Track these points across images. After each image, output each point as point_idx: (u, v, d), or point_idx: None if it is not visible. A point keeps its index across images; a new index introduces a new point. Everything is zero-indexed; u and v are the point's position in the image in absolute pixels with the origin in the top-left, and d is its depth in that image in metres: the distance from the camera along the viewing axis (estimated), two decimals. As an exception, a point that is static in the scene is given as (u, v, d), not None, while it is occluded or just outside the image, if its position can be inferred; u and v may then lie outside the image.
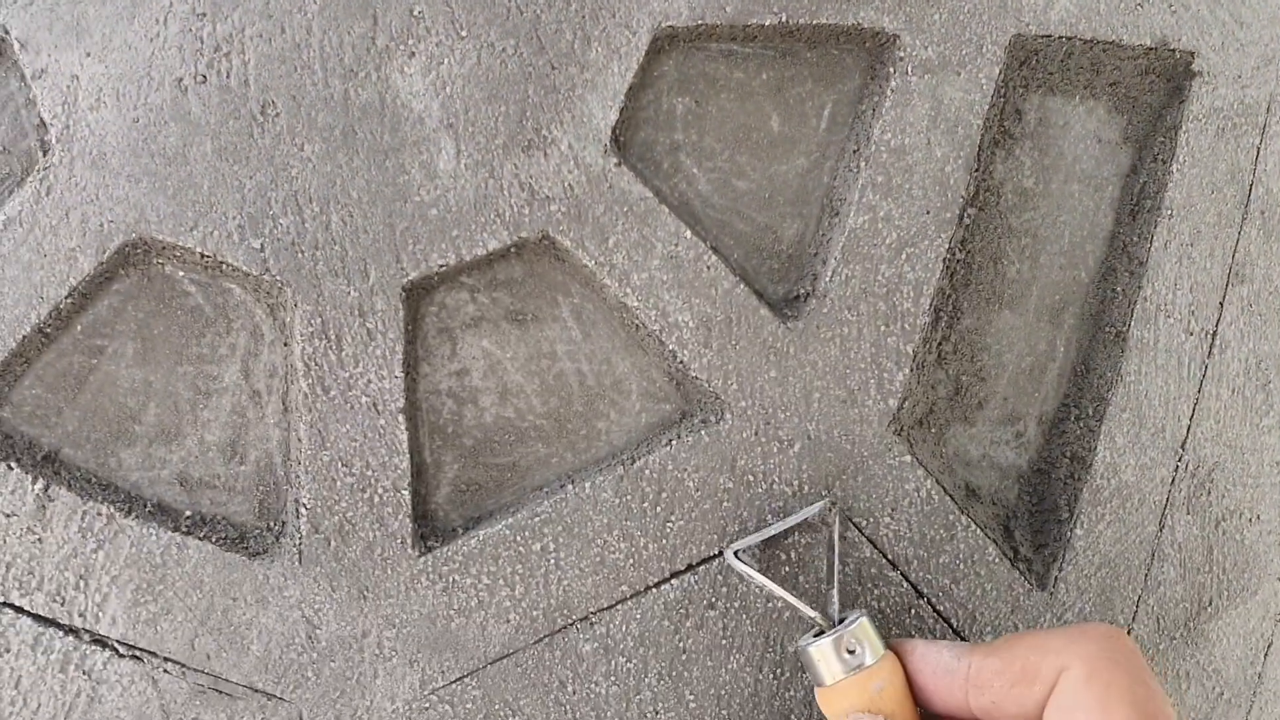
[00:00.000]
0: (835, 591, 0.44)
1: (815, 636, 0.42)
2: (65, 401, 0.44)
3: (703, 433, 0.47)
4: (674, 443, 0.46)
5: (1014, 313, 0.52)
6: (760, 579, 0.44)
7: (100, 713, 0.44)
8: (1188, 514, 0.54)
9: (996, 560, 0.50)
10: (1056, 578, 0.51)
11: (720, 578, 0.47)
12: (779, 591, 0.44)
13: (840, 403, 0.48)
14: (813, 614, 0.43)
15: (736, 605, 0.47)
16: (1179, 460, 0.53)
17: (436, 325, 0.46)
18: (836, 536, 0.45)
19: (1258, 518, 0.55)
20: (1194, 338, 0.53)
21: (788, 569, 0.46)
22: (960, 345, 0.51)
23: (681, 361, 0.46)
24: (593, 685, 0.46)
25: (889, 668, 0.41)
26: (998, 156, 0.51)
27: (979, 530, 0.50)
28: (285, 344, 0.45)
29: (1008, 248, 0.52)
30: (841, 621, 0.42)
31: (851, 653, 0.41)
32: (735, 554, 0.44)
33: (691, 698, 0.47)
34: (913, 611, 0.49)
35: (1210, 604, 0.55)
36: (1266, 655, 0.57)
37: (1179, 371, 0.53)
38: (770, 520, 0.46)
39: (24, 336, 0.43)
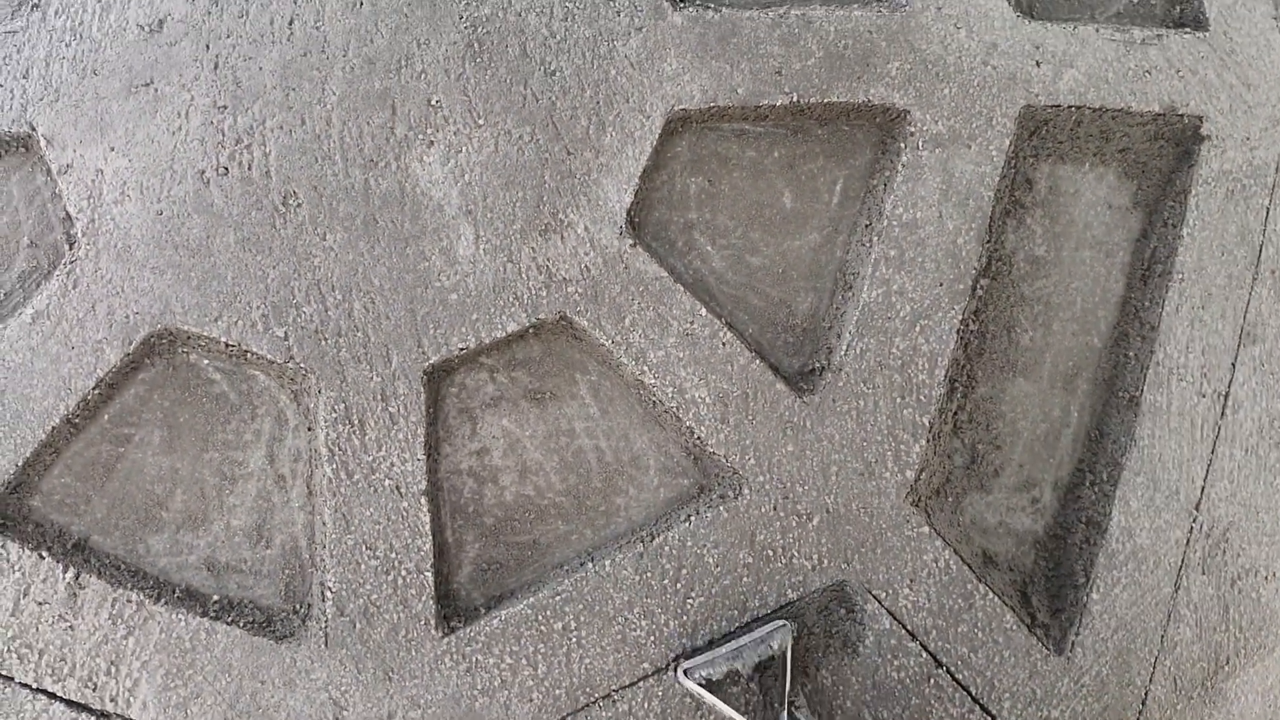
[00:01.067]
0: (786, 713, 0.44)
1: None
2: (94, 490, 0.45)
3: (721, 508, 0.47)
4: (693, 519, 0.47)
5: (1028, 380, 0.52)
6: (709, 698, 0.44)
7: (131, 797, 0.44)
8: (1203, 574, 0.54)
9: (1014, 627, 0.50)
10: (1074, 642, 0.51)
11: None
12: (727, 710, 0.44)
13: (858, 475, 0.48)
14: None
15: (758, 683, 0.48)
16: (1193, 521, 0.54)
17: (457, 406, 0.46)
18: (789, 659, 0.45)
19: (1274, 575, 0.55)
20: (1206, 399, 0.54)
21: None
22: (975, 414, 0.51)
23: (699, 437, 0.47)
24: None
25: None
26: (1009, 226, 0.52)
27: (997, 598, 0.50)
28: (309, 429, 0.45)
29: (1021, 316, 0.52)
30: None
31: None
32: (684, 672, 0.45)
33: (714, 772, 0.47)
34: (932, 681, 0.49)
35: (1228, 662, 0.55)
36: (1286, 711, 0.57)
37: (1192, 433, 0.53)
38: (728, 635, 0.46)
39: (53, 428, 0.44)
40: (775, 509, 0.47)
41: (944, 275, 0.48)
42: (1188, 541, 0.53)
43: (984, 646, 0.49)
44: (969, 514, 0.50)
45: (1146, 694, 0.53)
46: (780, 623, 0.45)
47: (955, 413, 0.50)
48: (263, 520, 0.45)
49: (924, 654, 0.48)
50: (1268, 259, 0.55)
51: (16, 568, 0.44)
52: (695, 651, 0.47)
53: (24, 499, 0.44)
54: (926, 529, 0.48)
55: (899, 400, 0.48)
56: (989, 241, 0.49)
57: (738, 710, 0.44)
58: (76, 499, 0.44)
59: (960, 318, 0.48)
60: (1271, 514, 0.54)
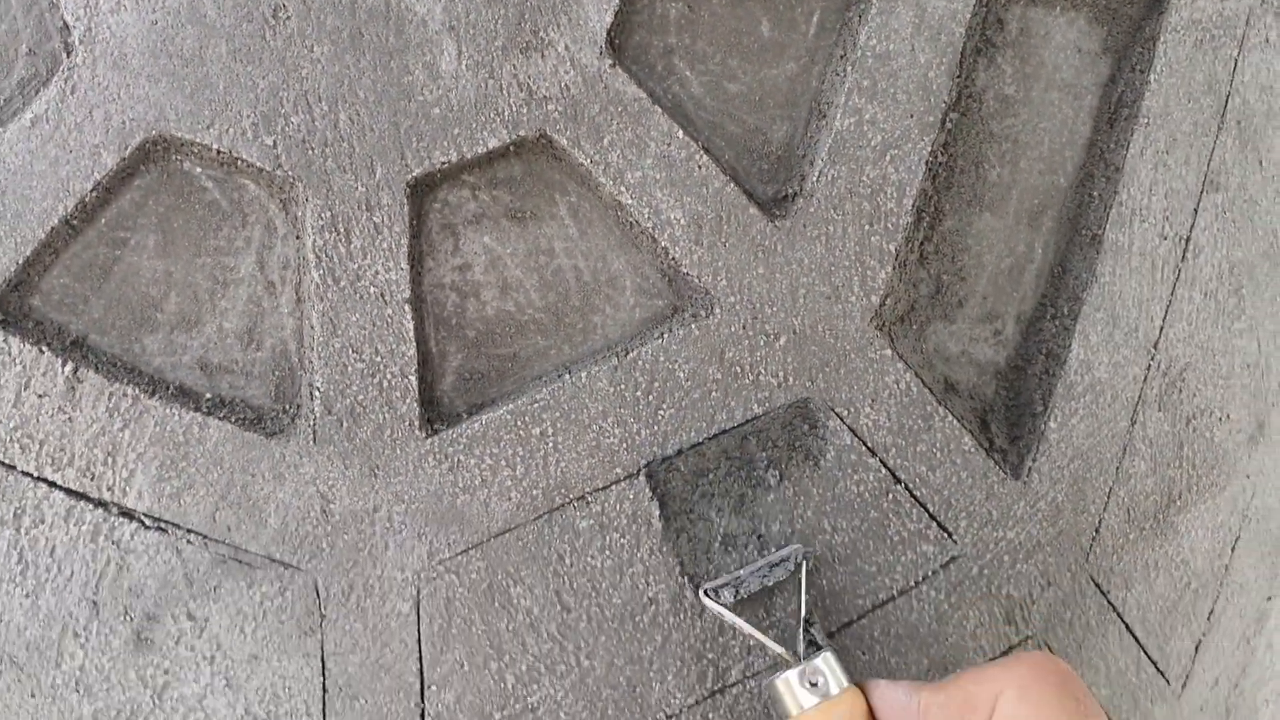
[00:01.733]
0: (802, 630, 0.46)
1: (782, 671, 0.44)
2: (91, 290, 0.47)
3: (693, 326, 0.49)
4: (666, 335, 0.49)
5: (994, 215, 0.54)
6: (730, 616, 0.47)
7: (129, 580, 0.47)
8: (1159, 411, 0.56)
9: (972, 450, 0.53)
10: (1031, 468, 0.54)
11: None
12: (748, 629, 0.46)
13: (825, 298, 0.50)
14: (780, 650, 0.46)
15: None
16: (1151, 359, 0.56)
17: (440, 221, 0.48)
18: (805, 578, 0.47)
19: (1227, 417, 0.58)
20: (1168, 242, 0.56)
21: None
22: (942, 245, 0.53)
23: (673, 258, 0.49)
24: (589, 559, 0.49)
25: (851, 700, 0.44)
26: (980, 64, 0.53)
27: (956, 421, 0.52)
28: (297, 237, 0.47)
29: (989, 152, 0.54)
30: (808, 658, 0.44)
31: (815, 685, 0.44)
32: (706, 592, 0.47)
33: (680, 571, 0.50)
34: (890, 496, 0.51)
35: (1180, 498, 0.58)
36: (1234, 549, 0.60)
37: (1153, 274, 0.55)
38: (747, 560, 0.48)
39: (52, 228, 0.46)
40: (744, 328, 0.49)
41: (915, 107, 0.49)
42: (1145, 378, 0.55)
43: (942, 466, 0.52)
44: (932, 342, 0.52)
45: (1100, 522, 0.55)
46: (796, 546, 0.47)
47: (922, 243, 0.51)
48: (253, 324, 0.47)
49: (883, 470, 0.51)
50: (1234, 109, 0.56)
51: (18, 361, 0.46)
52: (665, 461, 0.49)
53: (24, 297, 0.46)
54: (889, 352, 0.50)
55: (867, 227, 0.50)
56: (959, 77, 0.50)
57: (758, 629, 0.46)
58: (75, 299, 0.46)
59: (929, 149, 0.49)
60: (1228, 358, 0.56)
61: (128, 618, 0.47)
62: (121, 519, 0.47)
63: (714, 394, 0.49)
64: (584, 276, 0.49)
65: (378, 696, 0.48)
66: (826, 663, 0.44)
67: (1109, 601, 0.57)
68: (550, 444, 0.48)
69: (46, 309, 0.47)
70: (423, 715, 0.49)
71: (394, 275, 0.47)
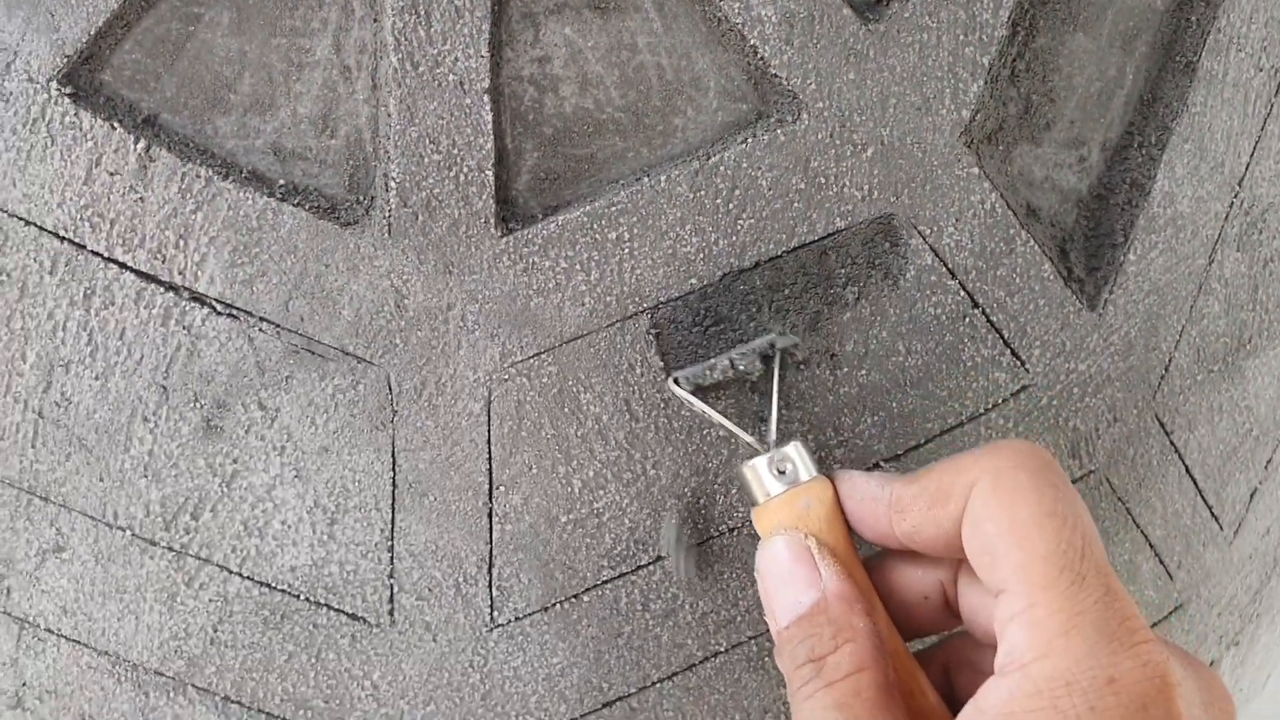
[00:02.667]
0: (774, 419, 0.45)
1: (751, 458, 0.44)
2: (164, 67, 0.46)
3: (779, 132, 0.48)
4: (750, 141, 0.48)
5: (1087, 36, 0.52)
6: (699, 405, 0.46)
7: (199, 366, 0.47)
8: (1238, 251, 0.55)
9: (1051, 277, 0.52)
10: (1106, 300, 0.53)
11: (788, 276, 0.49)
12: (717, 418, 0.46)
13: (915, 110, 0.49)
14: (750, 439, 0.45)
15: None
16: (1235, 196, 0.54)
17: (520, 9, 0.46)
18: (777, 368, 0.46)
19: (1305, 262, 0.56)
20: (1263, 74, 0.54)
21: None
22: (1033, 64, 0.51)
23: (762, 58, 0.47)
24: (660, 369, 0.48)
25: (818, 489, 0.43)
26: None
27: (1037, 247, 0.51)
28: (375, 20, 0.46)
29: (1088, -32, 0.52)
30: (778, 446, 0.44)
31: (783, 472, 0.43)
32: (675, 380, 0.46)
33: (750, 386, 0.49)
34: (966, 320, 0.51)
35: (1250, 342, 0.57)
36: (1297, 399, 0.59)
37: (1245, 107, 0.54)
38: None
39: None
40: (831, 136, 0.48)
41: (1017, -87, 0.47)
42: (1227, 216, 0.54)
43: (1020, 293, 0.51)
44: (1017, 165, 0.51)
45: (1170, 360, 0.55)
46: (771, 337, 0.46)
47: (1014, 59, 0.50)
48: (328, 109, 0.45)
49: (962, 292, 0.50)
50: (1341, -62, 0.54)
51: (89, 137, 0.45)
52: (741, 274, 0.48)
53: (95, 72, 0.45)
54: (976, 170, 0.49)
55: (962, 37, 0.48)
56: (1065, -116, 0.48)
57: (727, 419, 0.45)
58: (146, 75, 0.44)
59: (1029, -40, 0.47)
60: (1310, 202, 0.55)
61: (198, 404, 0.47)
62: (193, 304, 0.46)
63: (796, 205, 0.48)
64: (666, 75, 0.47)
65: (446, 494, 0.48)
66: (796, 450, 0.44)
67: (1171, 442, 0.57)
68: (626, 250, 0.47)
69: (117, 85, 0.46)
70: (490, 515, 0.49)
71: (474, 63, 0.45)
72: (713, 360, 0.47)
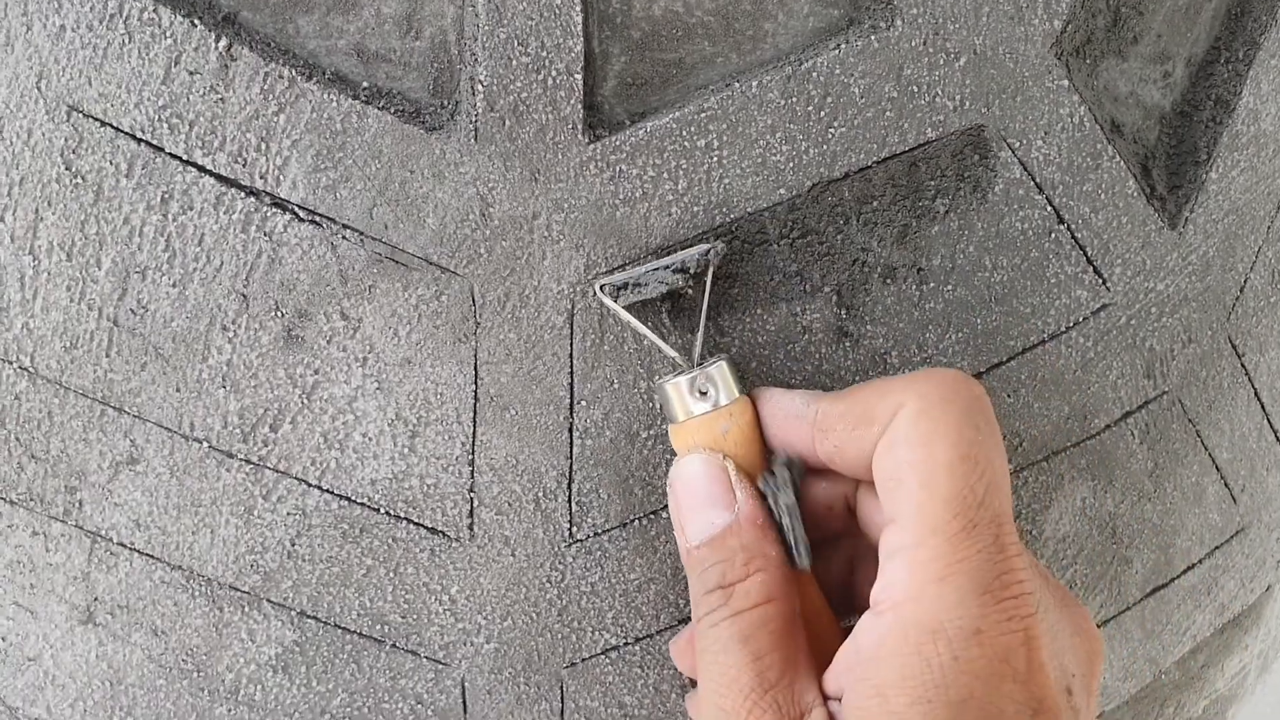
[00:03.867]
0: (701, 335, 0.45)
1: (674, 375, 0.43)
2: (243, -38, 0.44)
3: (872, 38, 0.47)
4: (843, 47, 0.47)
5: (1179, -53, 0.51)
6: (624, 315, 0.45)
7: (280, 274, 0.45)
8: (1317, 171, 0.55)
9: (1135, 194, 0.51)
10: (1187, 218, 0.52)
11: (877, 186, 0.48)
12: (641, 329, 0.45)
13: (1008, 19, 0.48)
14: (673, 354, 0.44)
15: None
16: (1317, 115, 0.54)
17: (613, -92, 0.45)
18: (710, 281, 0.45)
19: (1380, 184, 0.56)
20: (1350, -10, 0.53)
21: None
22: (1124, -25, 0.50)
23: (856, -38, 0.46)
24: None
25: (739, 410, 0.42)
26: None
27: (1123, 163, 0.50)
28: (463, -85, 0.44)
29: (1183, -125, 0.50)
30: (701, 365, 0.43)
31: (704, 394, 0.43)
32: (602, 288, 0.44)
33: (838, 301, 0.48)
34: (1052, 236, 0.50)
35: (1323, 263, 0.57)
36: (1361, 324, 0.59)
37: (1331, 24, 0.53)
38: (648, 259, 0.45)
39: (204, -114, 0.42)
40: (925, 44, 0.47)
41: None
42: (1308, 135, 0.53)
43: (1104, 209, 0.50)
44: (1103, 79, 0.50)
45: (1245, 282, 0.54)
46: (705, 246, 0.45)
47: (1106, -31, 0.49)
48: (413, 9, 0.44)
49: (1048, 208, 0.49)
50: None
51: (168, 34, 0.44)
52: (831, 183, 0.47)
53: (171, -34, 0.43)
54: (1066, 82, 0.48)
55: (1057, -56, 0.47)
56: None
57: (653, 331, 0.44)
58: (225, -30, 0.43)
59: None
60: (1388, 121, 0.54)
61: (279, 313, 0.46)
62: (274, 209, 0.45)
63: (888, 114, 0.47)
64: (759, -21, 0.46)
65: (528, 408, 0.47)
66: (720, 371, 0.44)
67: (1242, 364, 0.56)
68: (715, 158, 0.46)
69: (195, -21, 0.44)
70: (570, 429, 0.48)
71: (565, -38, 0.44)
72: (640, 267, 0.46)
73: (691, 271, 0.45)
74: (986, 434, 0.35)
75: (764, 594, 0.37)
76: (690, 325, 0.47)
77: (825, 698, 0.40)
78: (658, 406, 0.47)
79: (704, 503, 0.42)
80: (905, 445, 0.35)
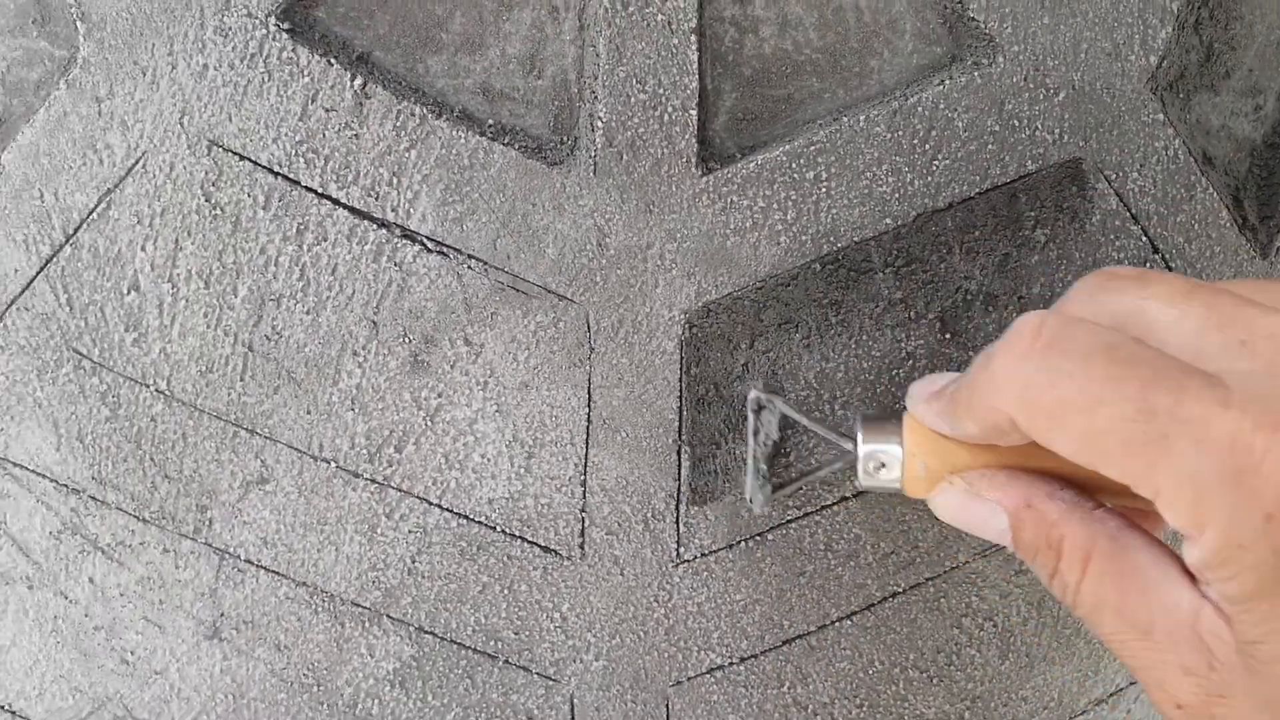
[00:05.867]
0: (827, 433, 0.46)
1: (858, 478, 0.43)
2: (376, 5, 0.46)
3: (975, 74, 0.48)
4: (947, 82, 0.48)
5: (1270, -16, 0.53)
6: (789, 410, 0.48)
7: (409, 302, 0.47)
8: (1403, 201, 0.55)
9: (1228, 225, 0.52)
10: (1278, 248, 0.53)
11: (984, 213, 0.50)
12: (808, 423, 0.47)
13: (1106, 55, 0.49)
14: (834, 437, 0.45)
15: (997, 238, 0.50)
16: (1404, 147, 0.55)
17: (727, -48, 0.47)
18: (783, 410, 0.49)
19: None
20: None
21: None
22: (1216, 11, 0.52)
23: (959, 0, 0.48)
24: (859, 304, 0.49)
25: (913, 444, 0.41)
26: None
27: (1216, 194, 0.52)
28: (586, -40, 0.46)
29: (1273, -85, 0.52)
30: (850, 439, 0.43)
31: (883, 465, 0.42)
32: (762, 396, 0.48)
33: (941, 327, 0.50)
34: (1147, 265, 0.51)
35: None
36: None
37: None
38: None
39: (344, -66, 0.45)
40: (1026, 80, 0.48)
41: None
42: (1395, 166, 0.54)
43: (1198, 239, 0.51)
44: (1195, 113, 0.51)
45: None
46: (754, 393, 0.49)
47: (1199, 6, 0.50)
48: (536, 50, 0.46)
49: (1144, 238, 0.50)
50: None
51: (306, 73, 0.46)
52: (935, 214, 0.48)
53: (309, 9, 0.46)
54: (1161, 116, 0.49)
55: (1153, -17, 0.48)
56: None
57: (818, 425, 0.46)
58: (360, 13, 0.45)
59: (1220, -94, 0.47)
60: None
61: (406, 339, 0.48)
62: (404, 240, 0.47)
63: (990, 146, 0.49)
64: (864, 17, 0.48)
65: (639, 430, 0.49)
66: (862, 433, 0.43)
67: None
68: (823, 189, 0.48)
69: (331, 22, 0.46)
70: (680, 452, 0.49)
71: (681, 3, 0.46)
72: (794, 414, 0.49)
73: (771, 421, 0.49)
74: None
75: (1081, 557, 0.35)
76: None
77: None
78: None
79: (979, 525, 0.41)
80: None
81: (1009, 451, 0.38)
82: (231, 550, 0.50)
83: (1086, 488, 0.38)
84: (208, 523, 0.50)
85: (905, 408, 0.42)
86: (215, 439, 0.49)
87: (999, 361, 0.34)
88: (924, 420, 0.41)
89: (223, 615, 0.51)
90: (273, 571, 0.50)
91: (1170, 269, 0.52)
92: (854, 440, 0.43)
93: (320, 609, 0.50)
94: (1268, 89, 0.54)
